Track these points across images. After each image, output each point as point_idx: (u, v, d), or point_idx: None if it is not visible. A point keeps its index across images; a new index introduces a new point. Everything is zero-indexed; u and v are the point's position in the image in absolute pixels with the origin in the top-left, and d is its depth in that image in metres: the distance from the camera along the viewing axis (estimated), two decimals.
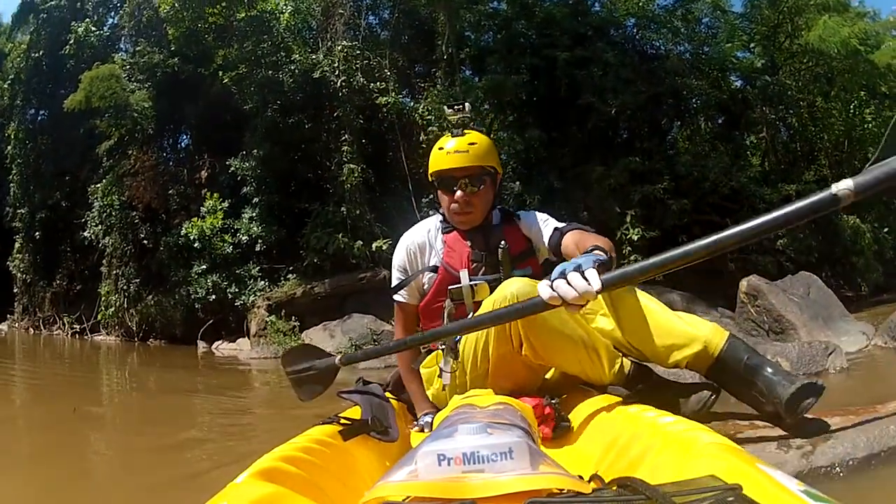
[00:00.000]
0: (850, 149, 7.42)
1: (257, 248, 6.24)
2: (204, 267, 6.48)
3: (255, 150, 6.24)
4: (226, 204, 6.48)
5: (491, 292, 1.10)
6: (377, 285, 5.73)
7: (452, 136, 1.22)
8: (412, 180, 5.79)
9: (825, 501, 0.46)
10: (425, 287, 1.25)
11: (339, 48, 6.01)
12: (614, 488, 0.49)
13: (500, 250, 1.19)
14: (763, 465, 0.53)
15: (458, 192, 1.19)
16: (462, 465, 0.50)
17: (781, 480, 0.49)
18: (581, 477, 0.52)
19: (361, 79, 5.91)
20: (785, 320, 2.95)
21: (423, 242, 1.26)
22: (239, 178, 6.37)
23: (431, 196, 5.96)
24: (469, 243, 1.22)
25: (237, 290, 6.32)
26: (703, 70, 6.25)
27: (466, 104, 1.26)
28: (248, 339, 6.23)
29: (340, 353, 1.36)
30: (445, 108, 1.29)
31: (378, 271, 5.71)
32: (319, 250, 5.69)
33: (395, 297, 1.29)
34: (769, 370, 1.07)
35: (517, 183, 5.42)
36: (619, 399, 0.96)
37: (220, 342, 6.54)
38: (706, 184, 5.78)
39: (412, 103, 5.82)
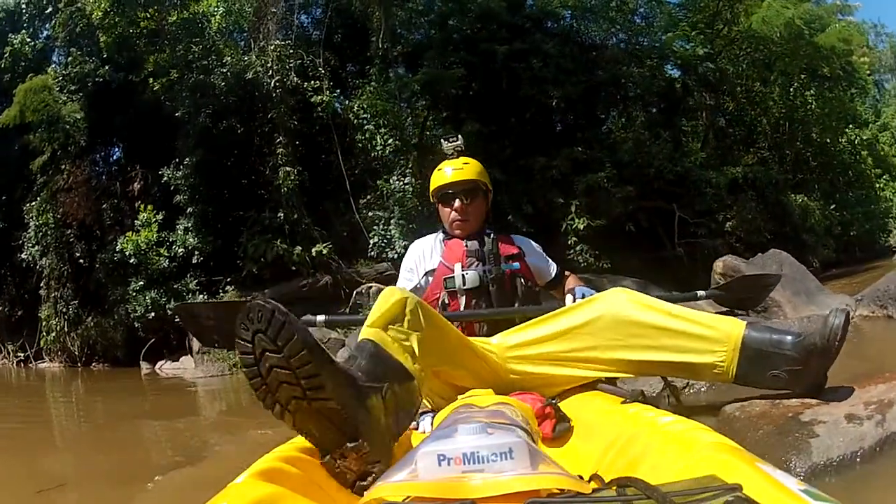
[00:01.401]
0: (792, 130, 7.56)
1: (194, 261, 5.95)
2: (141, 283, 6.15)
3: (188, 158, 5.95)
4: (160, 216, 6.17)
5: (480, 282, 1.30)
6: (320, 292, 5.49)
7: (450, 160, 1.44)
8: (349, 181, 5.59)
9: (826, 501, 0.46)
10: (422, 283, 1.40)
11: (273, 48, 5.80)
12: (614, 488, 0.49)
13: (490, 241, 1.35)
14: (763, 465, 0.53)
15: (457, 203, 1.38)
16: (462, 465, 0.50)
17: (781, 480, 0.49)
18: (581, 477, 0.53)
19: (295, 78, 5.71)
20: (768, 298, 2.89)
21: (430, 246, 1.45)
22: (172, 189, 6.07)
23: (369, 198, 5.83)
24: (466, 245, 1.38)
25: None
26: (642, 59, 6.25)
27: (460, 136, 1.47)
28: (192, 356, 5.92)
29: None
30: (442, 140, 1.48)
31: (319, 277, 5.48)
32: (257, 259, 5.44)
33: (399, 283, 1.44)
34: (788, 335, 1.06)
35: None
36: (620, 399, 0.96)
37: (163, 362, 6.22)
38: (650, 170, 5.75)
39: (347, 101, 5.63)
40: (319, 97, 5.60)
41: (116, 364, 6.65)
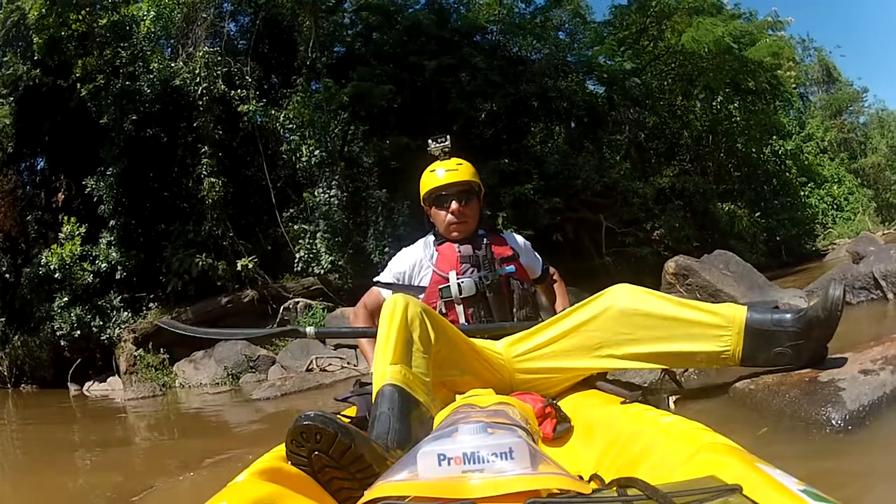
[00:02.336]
0: (715, 142, 7.91)
1: (117, 276, 5.76)
2: (66, 299, 5.91)
3: (111, 168, 5.76)
4: (83, 229, 5.94)
5: (477, 289, 1.27)
6: (245, 308, 5.41)
7: (440, 161, 1.38)
8: (273, 193, 5.53)
9: (825, 501, 0.46)
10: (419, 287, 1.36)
11: (201, 54, 5.69)
12: (614, 488, 0.49)
13: (483, 246, 1.32)
14: (763, 465, 0.53)
15: (454, 205, 1.33)
16: (462, 465, 0.50)
17: (781, 480, 0.49)
18: (581, 477, 0.53)
19: (222, 86, 5.61)
20: (724, 294, 2.94)
21: (418, 258, 1.39)
22: (95, 200, 5.86)
23: (292, 210, 5.77)
24: (459, 250, 1.34)
25: (101, 322, 5.81)
26: (567, 73, 6.41)
27: (448, 136, 1.41)
28: (119, 377, 5.74)
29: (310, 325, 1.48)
30: (430, 141, 1.41)
31: (244, 293, 5.40)
32: (182, 274, 5.32)
33: (378, 286, 1.41)
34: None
35: (384, 191, 5.28)
36: (620, 399, 0.96)
37: (90, 383, 6.00)
38: (577, 182, 5.91)
39: (273, 112, 5.56)
40: (245, 106, 5.52)
41: (44, 385, 6.38)
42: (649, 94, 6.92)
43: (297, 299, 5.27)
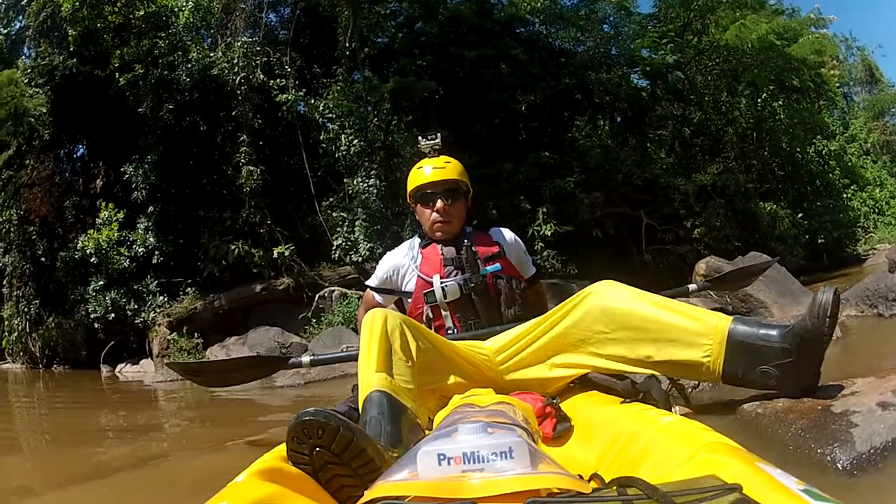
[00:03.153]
0: (759, 140, 7.66)
1: (154, 261, 5.81)
2: (102, 283, 5.99)
3: (149, 155, 5.81)
4: (121, 215, 6.02)
5: (461, 292, 1.25)
6: (280, 295, 5.39)
7: (429, 158, 1.38)
8: (312, 182, 5.50)
9: (825, 500, 0.46)
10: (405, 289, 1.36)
11: (240, 44, 5.71)
12: (614, 488, 0.49)
13: (464, 248, 1.29)
14: (763, 465, 0.53)
15: (439, 203, 1.32)
16: (462, 465, 0.50)
17: (782, 480, 0.49)
18: (581, 476, 0.53)
19: (261, 76, 5.61)
20: (753, 299, 2.84)
21: (401, 264, 1.38)
22: (133, 186, 5.92)
23: (331, 199, 5.75)
24: (442, 253, 1.33)
25: (136, 306, 5.87)
26: (611, 67, 6.27)
27: (439, 134, 1.41)
28: (152, 360, 5.78)
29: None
30: (419, 137, 1.42)
31: (280, 280, 5.38)
32: (218, 260, 5.32)
33: (371, 290, 1.43)
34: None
35: None
36: (620, 398, 0.95)
37: (123, 365, 6.08)
38: (618, 176, 5.76)
39: (312, 101, 5.54)
40: (285, 96, 5.51)
41: (77, 366, 6.47)
42: (693, 90, 6.74)
43: (332, 288, 5.23)
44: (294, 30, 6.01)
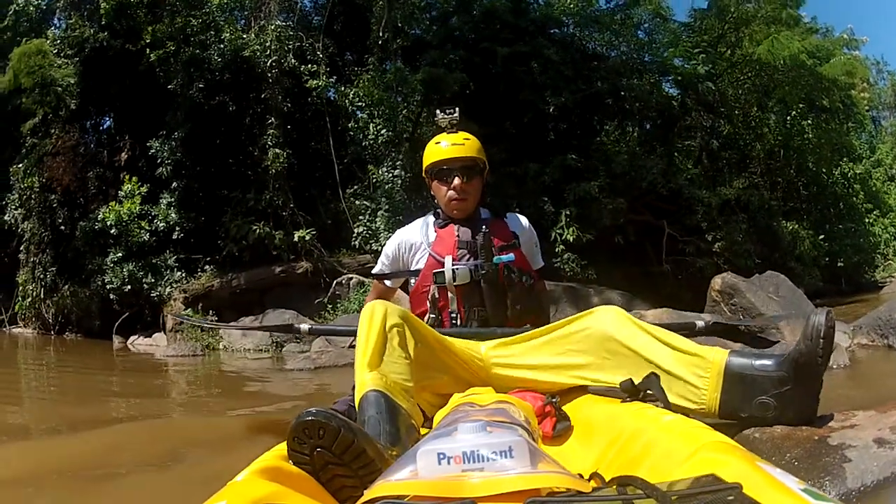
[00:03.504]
0: (786, 158, 7.58)
1: (174, 237, 5.85)
2: (120, 255, 6.05)
3: (177, 132, 5.85)
4: (144, 189, 6.07)
5: (471, 278, 1.24)
6: (298, 279, 5.41)
7: (447, 134, 1.34)
8: (338, 168, 5.51)
9: (825, 500, 0.46)
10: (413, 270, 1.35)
11: (273, 27, 5.72)
12: (614, 487, 0.49)
13: (481, 234, 1.27)
14: (763, 464, 0.53)
15: (456, 180, 1.29)
16: (462, 464, 0.50)
17: (782, 479, 0.49)
18: (581, 475, 0.53)
19: (293, 60, 5.62)
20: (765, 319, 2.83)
21: (415, 241, 1.36)
22: (158, 161, 5.96)
23: (356, 187, 5.75)
24: (457, 234, 1.30)
25: (153, 280, 5.91)
26: (643, 73, 6.23)
27: (457, 108, 1.38)
28: (165, 333, 5.82)
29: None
30: (437, 111, 1.39)
31: (299, 264, 5.40)
32: (238, 240, 5.35)
33: (377, 278, 1.45)
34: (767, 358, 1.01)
35: None
36: (620, 398, 0.95)
37: (135, 337, 6.13)
38: (643, 183, 5.72)
39: (342, 88, 5.55)
40: (315, 82, 5.52)
41: (90, 335, 6.49)
42: (724, 102, 6.68)
43: (350, 275, 5.24)
44: (328, 16, 6.02)
